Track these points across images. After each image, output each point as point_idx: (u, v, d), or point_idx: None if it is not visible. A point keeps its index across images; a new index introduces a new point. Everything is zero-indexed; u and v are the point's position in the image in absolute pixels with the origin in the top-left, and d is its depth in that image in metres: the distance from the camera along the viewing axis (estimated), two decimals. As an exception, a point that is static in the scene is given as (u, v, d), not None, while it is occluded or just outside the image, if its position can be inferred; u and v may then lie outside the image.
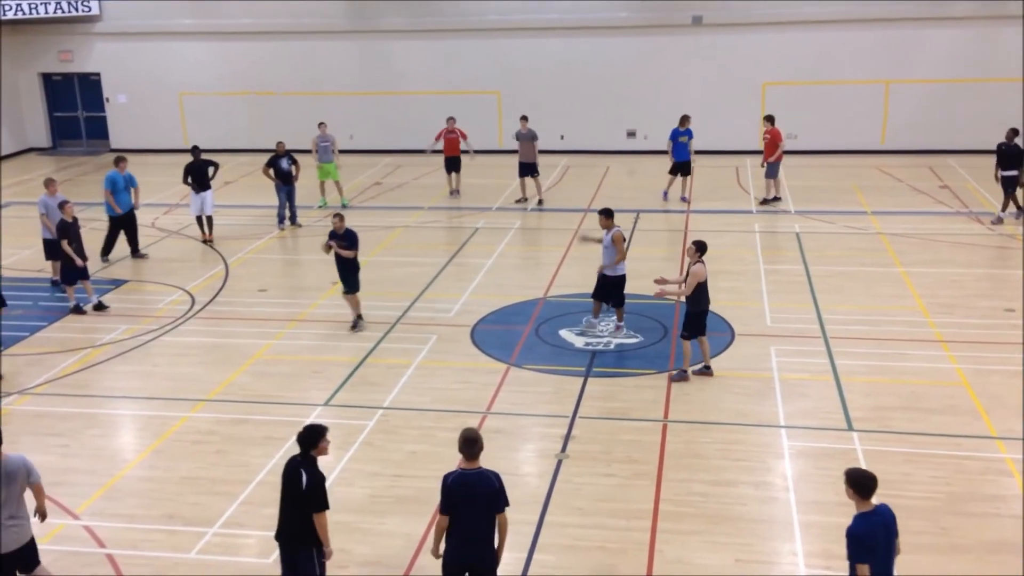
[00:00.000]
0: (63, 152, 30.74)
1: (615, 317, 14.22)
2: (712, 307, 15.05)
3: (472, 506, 7.11)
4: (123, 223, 18.37)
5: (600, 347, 13.73)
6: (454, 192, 23.04)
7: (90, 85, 30.51)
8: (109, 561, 8.94)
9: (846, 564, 8.49)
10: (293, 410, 11.92)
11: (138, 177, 18.63)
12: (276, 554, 8.90)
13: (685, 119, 21.62)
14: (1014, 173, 19.27)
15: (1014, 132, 19.69)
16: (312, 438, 7.59)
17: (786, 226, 19.82)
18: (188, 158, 19.64)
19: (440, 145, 22.82)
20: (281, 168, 20.01)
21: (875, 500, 6.87)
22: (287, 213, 20.40)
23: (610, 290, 13.94)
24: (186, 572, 8.79)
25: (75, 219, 15.83)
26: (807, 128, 26.81)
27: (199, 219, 19.45)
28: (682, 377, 12.47)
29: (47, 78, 30.73)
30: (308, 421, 11.49)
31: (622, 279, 13.91)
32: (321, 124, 22.12)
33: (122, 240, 18.47)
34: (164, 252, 18.96)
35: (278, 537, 7.69)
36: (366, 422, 11.57)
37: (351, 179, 25.11)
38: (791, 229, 19.52)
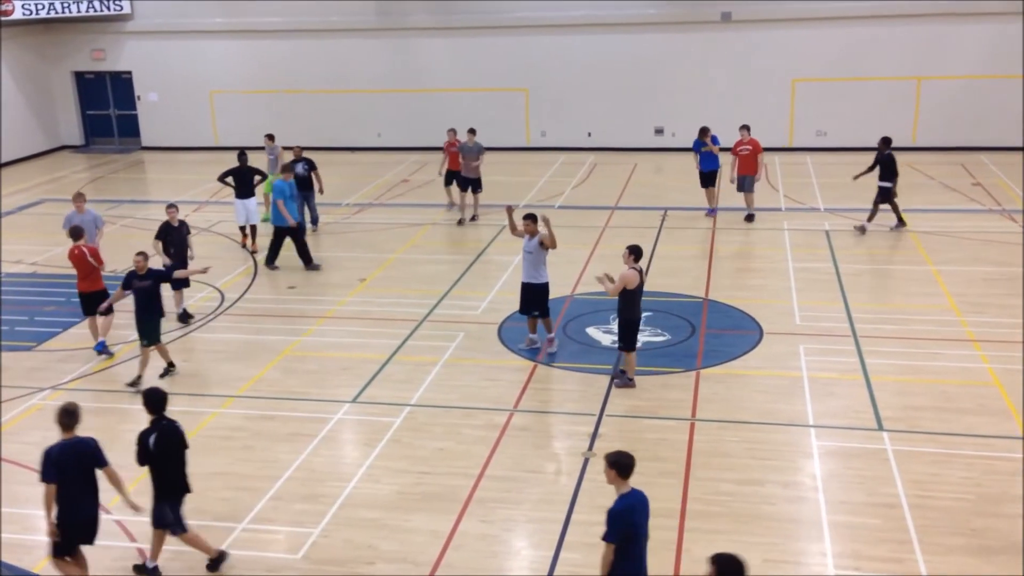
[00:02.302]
0: (95, 150, 31.07)
1: (545, 329, 13.54)
2: (741, 304, 15.12)
3: (80, 470, 8.10)
4: (291, 232, 17.39)
5: (627, 345, 13.68)
6: (453, 205, 21.29)
7: (122, 83, 30.84)
8: (140, 555, 9.04)
9: (876, 565, 8.52)
10: (321, 407, 12.00)
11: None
12: (305, 549, 9.03)
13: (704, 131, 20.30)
14: (888, 184, 18.49)
15: (886, 142, 18.70)
16: (165, 398, 8.59)
17: (815, 224, 19.68)
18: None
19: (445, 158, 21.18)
20: (298, 173, 19.65)
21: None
22: (309, 213, 20.14)
23: (536, 300, 13.31)
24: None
25: (182, 223, 15.15)
26: (837, 125, 26.66)
27: (243, 228, 19.19)
28: (626, 383, 12.26)
29: (80, 76, 31.10)
30: (336, 418, 11.68)
31: (546, 287, 13.31)
32: (268, 136, 21.62)
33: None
34: (194, 249, 19.06)
35: (171, 496, 8.55)
36: (393, 419, 11.61)
37: (379, 176, 25.24)
38: (820, 227, 19.38)
